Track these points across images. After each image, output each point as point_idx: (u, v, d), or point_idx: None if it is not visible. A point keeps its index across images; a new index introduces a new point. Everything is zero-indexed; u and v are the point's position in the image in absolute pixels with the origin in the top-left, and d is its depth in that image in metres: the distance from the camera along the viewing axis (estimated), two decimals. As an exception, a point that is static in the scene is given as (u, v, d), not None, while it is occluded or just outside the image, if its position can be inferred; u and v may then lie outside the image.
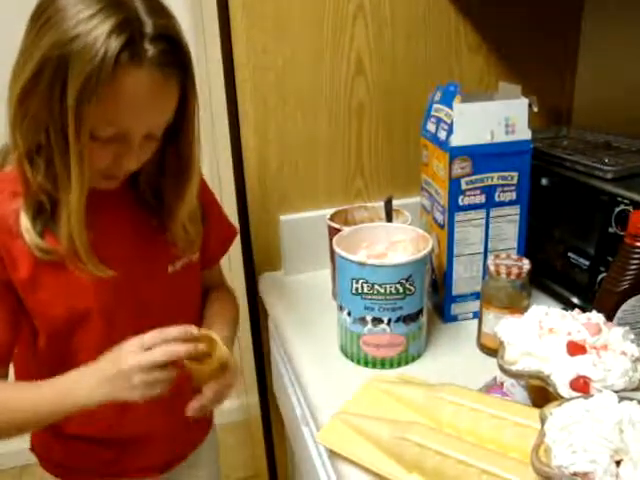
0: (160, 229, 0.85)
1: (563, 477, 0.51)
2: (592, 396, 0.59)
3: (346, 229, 0.99)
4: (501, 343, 0.75)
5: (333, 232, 1.03)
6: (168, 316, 0.78)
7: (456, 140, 0.92)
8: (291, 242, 1.22)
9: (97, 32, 0.63)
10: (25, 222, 0.73)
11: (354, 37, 1.15)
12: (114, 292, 0.81)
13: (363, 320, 0.89)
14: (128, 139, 0.71)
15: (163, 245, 0.86)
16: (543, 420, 0.58)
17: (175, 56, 0.70)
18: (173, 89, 0.72)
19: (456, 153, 0.93)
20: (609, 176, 0.93)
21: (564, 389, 0.65)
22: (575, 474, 0.51)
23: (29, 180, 0.72)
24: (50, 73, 0.65)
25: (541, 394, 0.70)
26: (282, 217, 1.21)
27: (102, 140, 0.70)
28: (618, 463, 0.51)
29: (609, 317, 0.79)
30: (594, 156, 0.99)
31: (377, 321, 0.89)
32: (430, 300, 1.01)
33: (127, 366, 0.70)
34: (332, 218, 1.08)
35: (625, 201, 0.88)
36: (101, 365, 0.73)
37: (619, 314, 0.80)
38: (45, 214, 0.75)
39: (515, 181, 0.96)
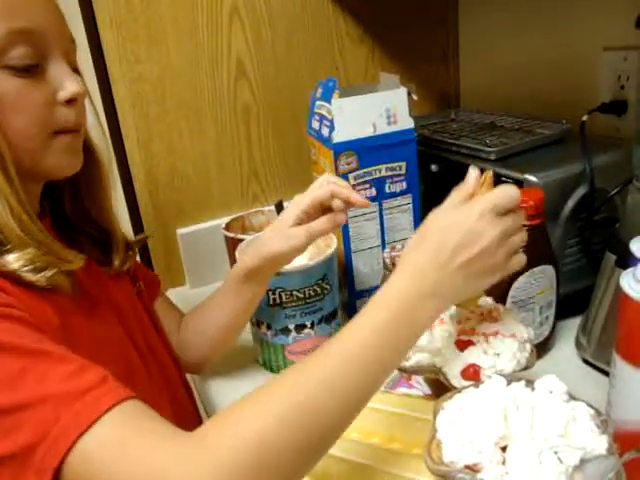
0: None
1: (455, 472, 0.51)
2: (482, 383, 0.59)
3: (246, 239, 0.96)
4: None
5: (229, 241, 1.00)
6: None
7: (338, 136, 0.91)
8: (192, 255, 1.19)
9: None
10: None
11: (232, 40, 1.13)
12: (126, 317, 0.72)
13: (286, 330, 0.87)
14: (52, 54, 0.59)
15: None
16: (435, 415, 0.57)
17: None
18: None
19: (340, 149, 0.91)
20: (492, 157, 0.94)
21: (456, 380, 0.65)
22: (466, 467, 0.51)
23: None
24: None
25: (440, 386, 0.70)
26: (179, 230, 1.17)
27: (22, 69, 0.57)
28: (505, 449, 0.51)
29: (503, 297, 0.80)
30: (477, 138, 1.01)
31: (301, 327, 0.87)
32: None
33: (488, 241, 0.56)
34: (227, 227, 1.05)
35: (509, 180, 0.90)
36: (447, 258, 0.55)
37: (512, 292, 0.81)
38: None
39: (403, 171, 0.96)
